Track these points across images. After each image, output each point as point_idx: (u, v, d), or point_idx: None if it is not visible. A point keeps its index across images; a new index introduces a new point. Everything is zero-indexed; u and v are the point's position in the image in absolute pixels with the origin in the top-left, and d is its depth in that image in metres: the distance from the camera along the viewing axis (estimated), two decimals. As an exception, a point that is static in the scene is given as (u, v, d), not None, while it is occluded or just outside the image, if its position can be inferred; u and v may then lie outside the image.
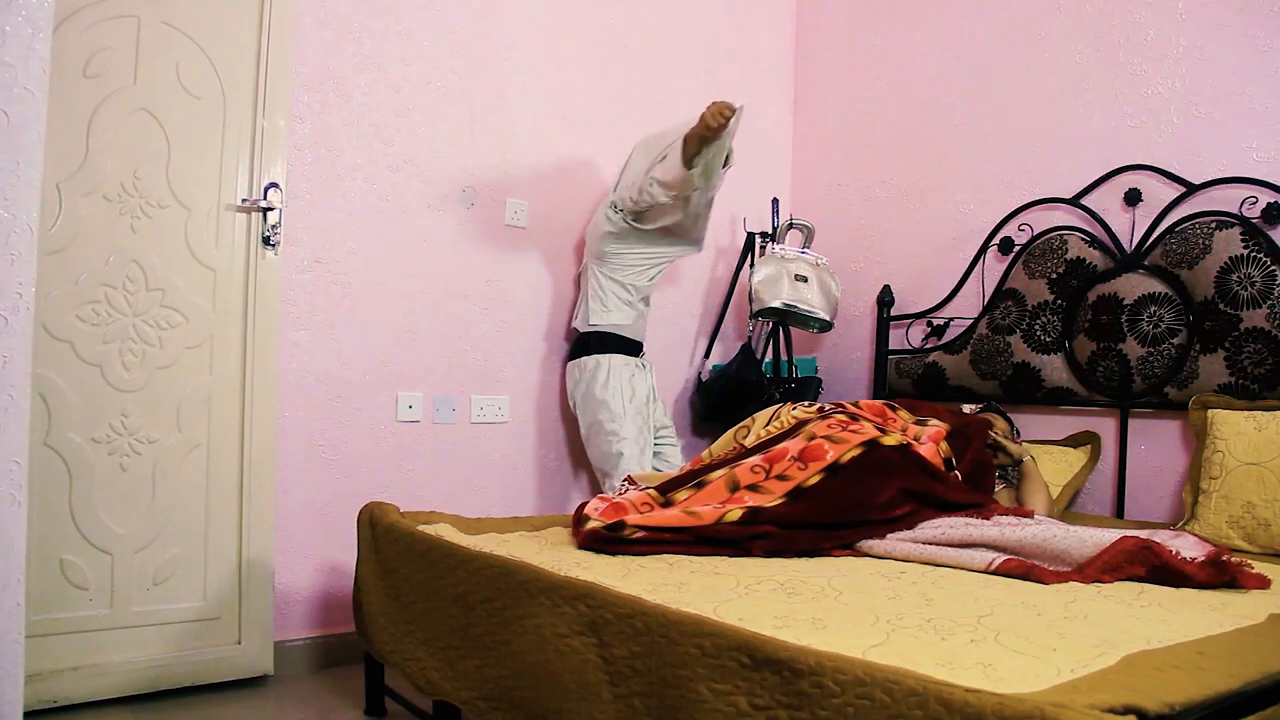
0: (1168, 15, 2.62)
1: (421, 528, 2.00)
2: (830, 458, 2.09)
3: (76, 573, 2.17)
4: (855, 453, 2.10)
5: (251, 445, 2.38)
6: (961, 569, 1.76)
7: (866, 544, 1.93)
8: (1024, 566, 1.70)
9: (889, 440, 2.17)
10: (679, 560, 1.80)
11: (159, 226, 2.27)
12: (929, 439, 2.29)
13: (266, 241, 2.39)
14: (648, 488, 2.17)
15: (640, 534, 1.90)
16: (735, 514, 1.93)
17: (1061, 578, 1.65)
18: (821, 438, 2.16)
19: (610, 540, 1.90)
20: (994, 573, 1.72)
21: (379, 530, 2.07)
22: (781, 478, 2.07)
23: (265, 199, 2.39)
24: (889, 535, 1.95)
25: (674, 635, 1.30)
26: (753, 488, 2.06)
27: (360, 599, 2.08)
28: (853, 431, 2.19)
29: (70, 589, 2.16)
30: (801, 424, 2.32)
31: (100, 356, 2.19)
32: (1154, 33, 2.65)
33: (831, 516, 1.96)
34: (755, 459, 2.16)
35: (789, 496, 2.00)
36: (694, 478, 2.15)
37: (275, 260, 2.41)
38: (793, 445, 2.16)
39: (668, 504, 2.06)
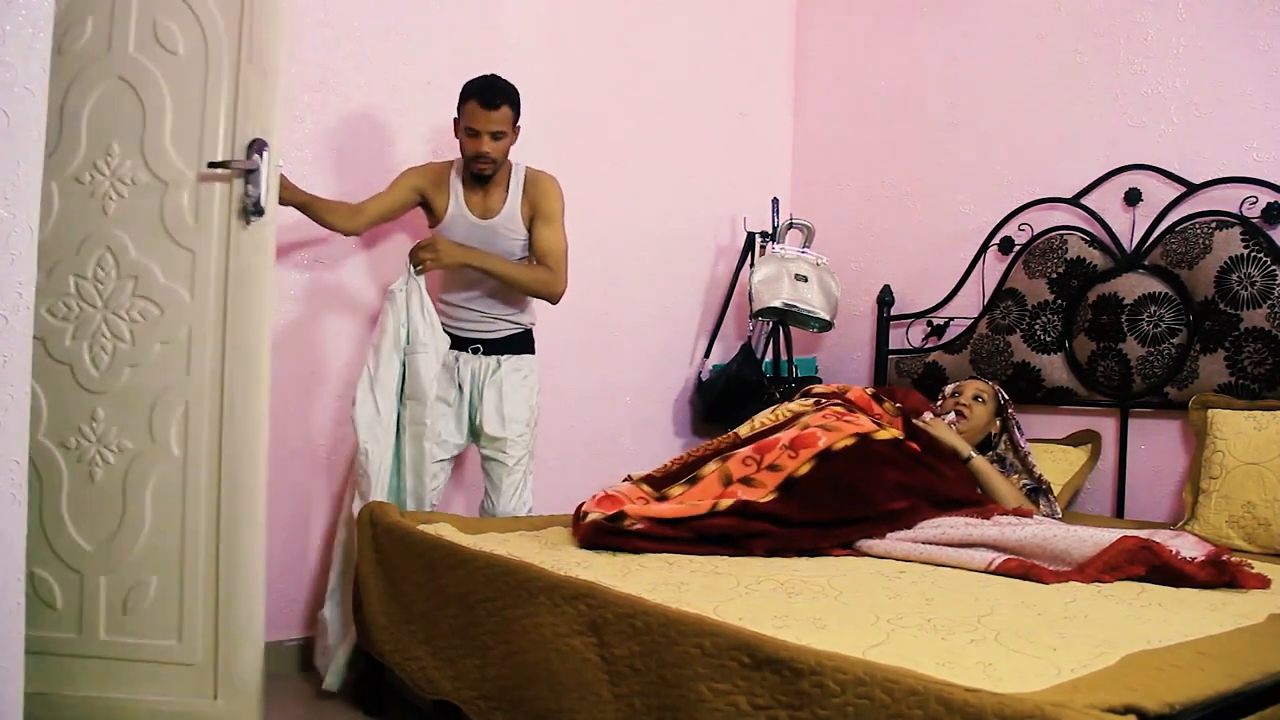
0: (1168, 15, 2.62)
1: (422, 527, 2.01)
2: (822, 444, 2.08)
3: (46, 589, 1.96)
4: (848, 442, 2.10)
5: (232, 458, 1.94)
6: (962, 569, 1.77)
7: (866, 544, 1.93)
8: (1024, 566, 1.70)
9: (883, 434, 2.17)
10: (679, 560, 1.80)
11: (132, 205, 1.97)
12: (898, 428, 2.33)
13: (251, 211, 1.92)
14: (641, 483, 2.18)
15: (640, 525, 1.91)
16: (726, 503, 1.95)
17: (1061, 577, 1.65)
18: (815, 426, 2.16)
19: (612, 531, 1.90)
20: (994, 572, 1.72)
21: (379, 530, 2.07)
22: (773, 468, 2.07)
23: (248, 159, 1.93)
24: (889, 535, 1.95)
25: (674, 635, 1.30)
26: (745, 481, 2.06)
27: (360, 599, 2.07)
28: (848, 422, 2.19)
29: (40, 605, 1.94)
30: (797, 416, 2.33)
31: (70, 354, 1.96)
32: (1154, 33, 2.65)
33: (824, 509, 1.96)
34: (747, 450, 2.15)
35: (780, 490, 2.00)
36: (688, 472, 2.16)
37: (262, 235, 1.95)
38: (785, 435, 2.16)
39: (662, 499, 2.07)
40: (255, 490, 1.94)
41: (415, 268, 2.31)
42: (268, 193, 1.92)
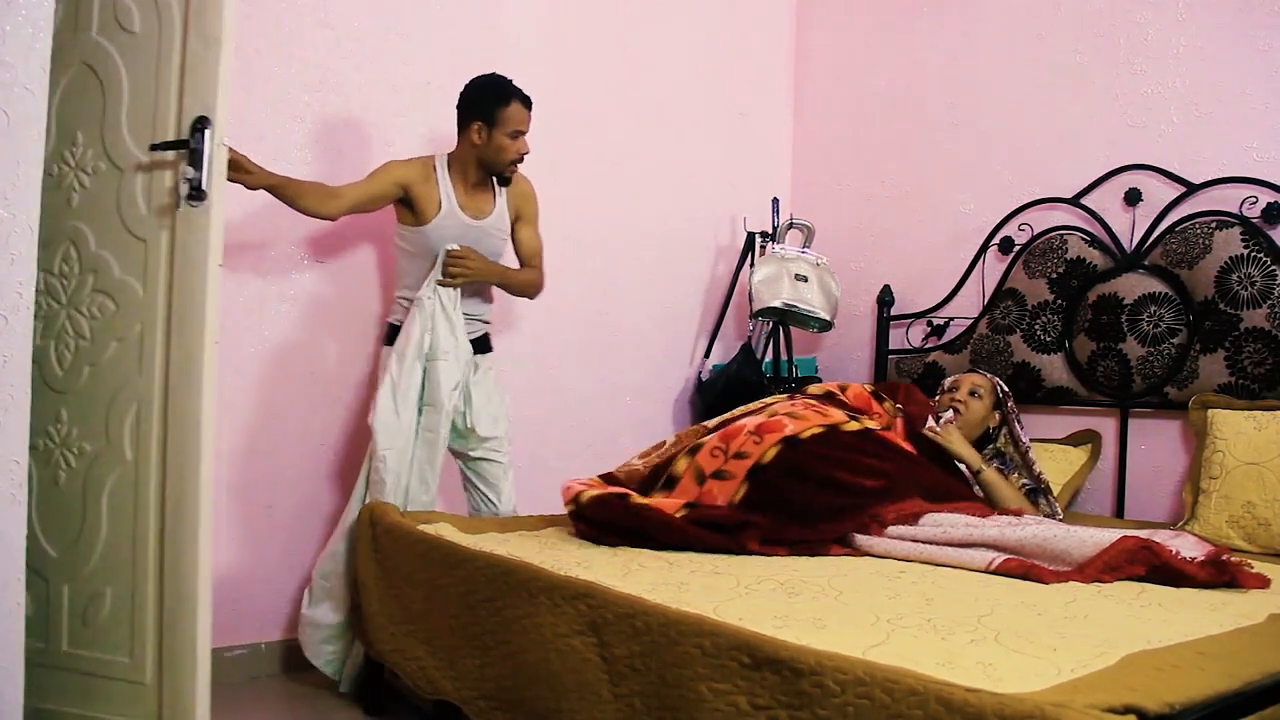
0: (1168, 15, 2.62)
1: (422, 528, 2.01)
2: (789, 431, 2.08)
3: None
4: (816, 431, 2.10)
5: (176, 464, 1.79)
6: (962, 569, 1.76)
7: (866, 543, 1.93)
8: (1024, 566, 1.70)
9: (853, 426, 2.16)
10: (679, 560, 1.80)
11: (93, 195, 1.88)
12: (898, 430, 2.32)
13: (192, 196, 1.75)
14: (625, 487, 2.21)
15: (643, 500, 1.99)
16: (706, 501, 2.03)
17: (1062, 577, 1.65)
18: (783, 414, 2.16)
19: (620, 500, 1.96)
20: (995, 572, 1.72)
21: (379, 530, 2.07)
22: (740, 455, 2.08)
23: (193, 139, 1.75)
24: (888, 532, 1.95)
25: (674, 635, 1.30)
26: (717, 475, 2.08)
27: (360, 599, 2.07)
28: (817, 413, 2.19)
29: None
30: (766, 406, 2.34)
31: (39, 353, 1.87)
32: (1154, 33, 2.65)
33: (797, 501, 1.96)
34: (714, 439, 2.16)
35: (749, 478, 2.02)
36: (661, 474, 2.19)
37: (205, 222, 1.77)
38: (751, 421, 2.17)
39: None
40: (198, 500, 1.74)
41: (443, 279, 2.30)
42: (210, 175, 1.74)
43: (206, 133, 1.75)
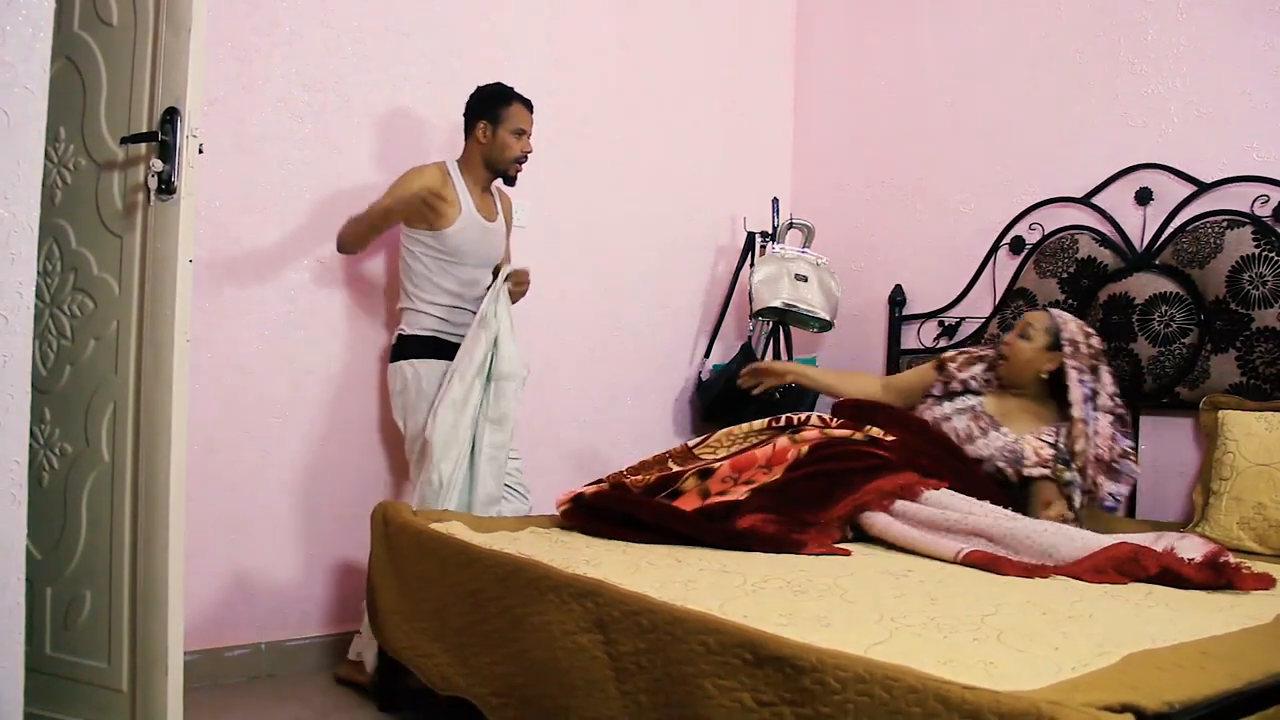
0: (1173, 14, 2.61)
1: (434, 526, 2.01)
2: (791, 457, 2.12)
3: None
4: (817, 439, 2.15)
5: (148, 466, 1.74)
6: (932, 558, 1.82)
7: (870, 518, 1.99)
8: (988, 558, 1.73)
9: (858, 434, 2.18)
10: (686, 557, 1.81)
11: (74, 192, 1.87)
12: None
13: (161, 190, 1.71)
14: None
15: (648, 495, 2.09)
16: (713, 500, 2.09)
17: (1024, 570, 1.67)
18: (788, 443, 2.19)
19: (615, 492, 2.11)
20: (961, 563, 1.76)
21: (392, 528, 2.07)
22: (749, 483, 2.13)
23: (162, 131, 1.70)
24: (894, 509, 2.00)
25: (679, 632, 1.31)
26: (723, 495, 2.11)
27: (373, 597, 2.08)
28: (825, 432, 2.20)
29: None
30: (774, 435, 2.30)
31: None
32: (1159, 31, 2.64)
33: (791, 487, 2.03)
34: (725, 468, 2.17)
35: (754, 493, 2.06)
36: (664, 488, 2.21)
37: (173, 217, 1.72)
38: (761, 453, 2.20)
39: None
40: (168, 502, 1.69)
41: (504, 293, 2.35)
42: (180, 168, 1.69)
43: (178, 124, 1.70)
